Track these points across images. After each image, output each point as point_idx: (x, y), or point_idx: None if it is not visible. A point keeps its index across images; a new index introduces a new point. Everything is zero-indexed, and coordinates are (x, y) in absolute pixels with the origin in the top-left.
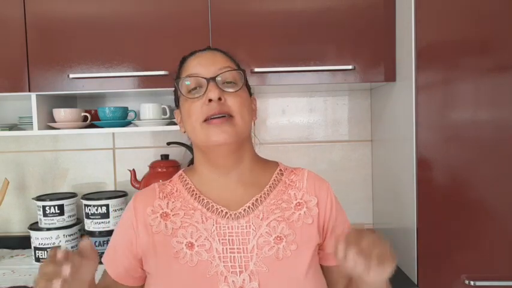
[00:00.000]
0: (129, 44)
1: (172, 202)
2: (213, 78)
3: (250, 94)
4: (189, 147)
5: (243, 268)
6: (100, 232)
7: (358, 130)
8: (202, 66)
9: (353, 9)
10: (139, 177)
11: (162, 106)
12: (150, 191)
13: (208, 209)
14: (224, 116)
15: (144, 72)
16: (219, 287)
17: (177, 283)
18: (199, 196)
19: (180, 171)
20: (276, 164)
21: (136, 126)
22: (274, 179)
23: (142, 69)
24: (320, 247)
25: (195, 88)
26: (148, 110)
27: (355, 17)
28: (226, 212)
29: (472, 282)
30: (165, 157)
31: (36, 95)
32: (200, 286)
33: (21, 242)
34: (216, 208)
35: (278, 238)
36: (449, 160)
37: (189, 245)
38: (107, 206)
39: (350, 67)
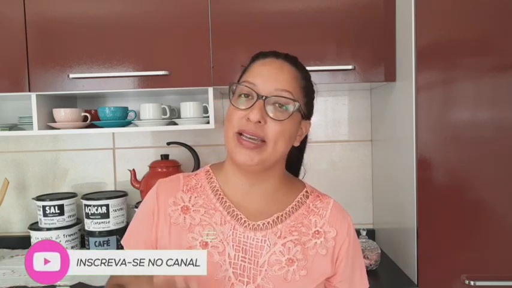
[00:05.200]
0: (129, 44)
1: (195, 197)
2: (264, 98)
3: (308, 117)
4: (190, 148)
5: (251, 279)
6: (100, 232)
7: (358, 130)
8: (263, 78)
9: (353, 9)
10: (139, 177)
11: (162, 106)
12: (175, 181)
13: (228, 213)
14: (256, 141)
15: (144, 72)
16: None
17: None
18: (222, 197)
19: (208, 167)
20: (302, 184)
21: (136, 126)
22: (298, 201)
23: (142, 69)
24: (328, 279)
25: (247, 95)
26: (148, 110)
27: (355, 17)
28: (245, 221)
29: (472, 282)
30: (165, 157)
31: (36, 95)
32: (207, 287)
33: (21, 242)
34: (236, 214)
35: (290, 260)
36: (449, 160)
37: (203, 243)
38: (107, 206)
39: (350, 67)
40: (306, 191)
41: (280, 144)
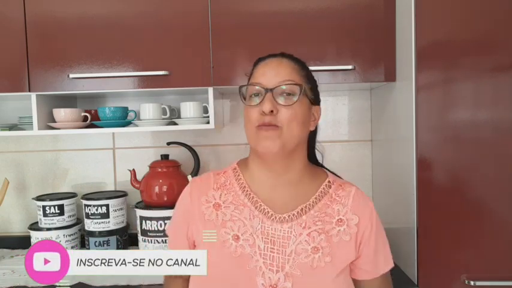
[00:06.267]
0: (129, 44)
1: (225, 194)
2: (271, 90)
3: (317, 103)
4: (190, 148)
5: (280, 268)
6: (100, 232)
7: (358, 130)
8: (266, 76)
9: (353, 9)
10: (139, 177)
11: (162, 106)
12: (206, 180)
13: (256, 208)
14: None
15: (144, 72)
16: (256, 279)
17: (220, 270)
18: (249, 193)
19: (235, 164)
20: (325, 173)
21: (136, 126)
22: (321, 191)
23: (142, 69)
24: (352, 262)
25: (257, 94)
26: (148, 110)
27: (355, 17)
28: (272, 214)
29: (472, 282)
30: (165, 157)
31: (36, 95)
32: (240, 276)
33: (21, 242)
34: (264, 208)
35: (315, 248)
36: (449, 160)
37: (235, 237)
38: (107, 206)
39: (350, 67)
40: (329, 181)
41: (295, 126)
